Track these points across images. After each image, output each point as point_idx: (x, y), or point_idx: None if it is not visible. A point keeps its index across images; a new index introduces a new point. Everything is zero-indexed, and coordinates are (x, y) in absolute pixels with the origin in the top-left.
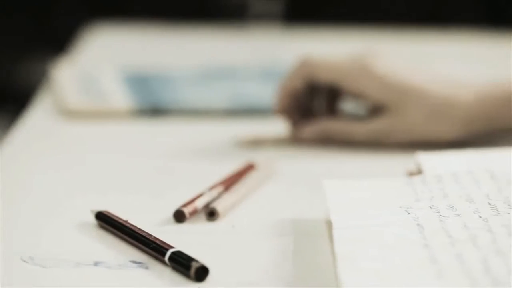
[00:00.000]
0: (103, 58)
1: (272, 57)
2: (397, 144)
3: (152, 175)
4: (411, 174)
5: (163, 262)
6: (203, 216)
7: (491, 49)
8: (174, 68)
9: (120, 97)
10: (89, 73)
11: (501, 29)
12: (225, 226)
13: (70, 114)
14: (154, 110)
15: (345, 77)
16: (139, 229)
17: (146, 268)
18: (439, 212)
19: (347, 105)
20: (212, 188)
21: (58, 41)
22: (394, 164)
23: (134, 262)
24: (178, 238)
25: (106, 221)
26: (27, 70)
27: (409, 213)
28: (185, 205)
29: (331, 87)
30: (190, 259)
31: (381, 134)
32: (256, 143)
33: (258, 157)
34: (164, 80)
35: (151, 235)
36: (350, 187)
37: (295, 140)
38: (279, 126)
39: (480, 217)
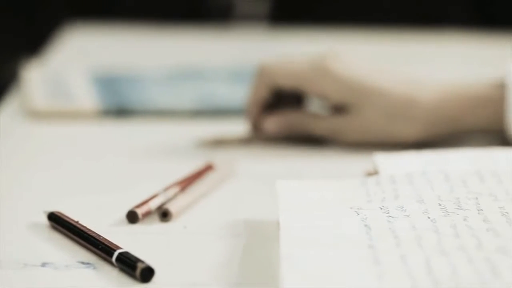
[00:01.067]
0: (77, 59)
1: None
2: (357, 142)
3: (112, 176)
4: (369, 174)
5: (111, 263)
6: (157, 216)
7: (480, 49)
8: (149, 69)
9: (86, 98)
10: (58, 74)
11: (489, 29)
12: (177, 227)
13: (37, 115)
14: (120, 111)
15: (305, 80)
16: (89, 230)
17: (94, 268)
18: (388, 213)
19: (314, 104)
20: (167, 188)
21: (36, 42)
22: (355, 164)
23: (82, 262)
24: (130, 238)
25: (57, 222)
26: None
27: (358, 214)
28: (138, 206)
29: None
30: (136, 260)
31: (340, 130)
32: (219, 143)
33: (219, 157)
34: (133, 81)
35: (100, 236)
36: (304, 187)
37: (258, 134)
38: (244, 127)
39: (429, 218)
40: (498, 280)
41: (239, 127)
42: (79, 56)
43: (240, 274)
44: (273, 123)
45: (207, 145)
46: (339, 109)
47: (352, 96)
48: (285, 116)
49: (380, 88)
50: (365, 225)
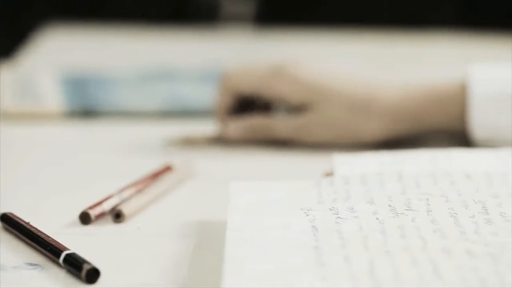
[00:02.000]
0: (53, 60)
1: (244, 59)
2: (320, 141)
3: (73, 176)
4: (327, 175)
5: (59, 264)
6: (111, 218)
7: (468, 50)
8: (120, 70)
9: (53, 99)
10: (29, 75)
11: (477, 30)
12: (130, 228)
13: (4, 116)
14: (86, 112)
15: (265, 84)
16: (38, 231)
17: (42, 270)
18: (337, 214)
19: (282, 111)
20: (123, 190)
21: (16, 43)
22: (317, 165)
23: (30, 264)
24: (82, 240)
25: (9, 223)
26: None
27: (307, 215)
28: (91, 207)
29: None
30: (82, 261)
31: (303, 130)
32: (187, 142)
33: (179, 158)
34: (102, 82)
35: (49, 237)
36: (256, 189)
37: (224, 138)
38: (213, 127)
39: (377, 219)
40: (439, 281)
41: (208, 128)
42: (55, 57)
43: (188, 275)
44: (236, 128)
45: (175, 145)
46: (300, 110)
47: (311, 95)
48: (248, 121)
49: (340, 87)
50: (313, 226)
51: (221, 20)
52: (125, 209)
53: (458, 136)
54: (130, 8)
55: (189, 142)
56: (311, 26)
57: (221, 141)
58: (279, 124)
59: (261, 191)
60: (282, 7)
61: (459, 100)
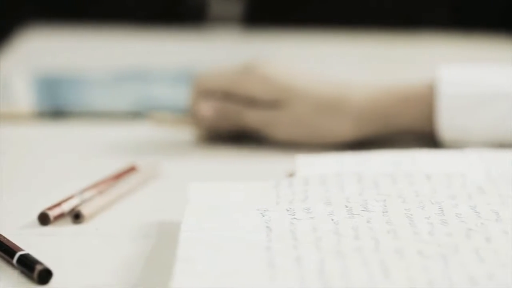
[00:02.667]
0: (32, 61)
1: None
2: (288, 138)
3: (38, 177)
4: (290, 175)
5: (13, 265)
6: (70, 218)
7: (457, 51)
8: (95, 70)
9: (24, 100)
10: (2, 76)
11: (467, 31)
12: (89, 229)
13: None
14: (57, 113)
15: (235, 83)
16: None
17: None
18: (294, 215)
19: None
20: (84, 190)
21: None
22: (283, 165)
23: None
24: (40, 240)
25: None
26: None
27: (263, 216)
28: (50, 208)
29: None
30: (35, 262)
31: (272, 123)
32: (157, 122)
33: (144, 159)
34: (75, 83)
35: (4, 238)
36: (216, 190)
37: (194, 118)
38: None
39: (333, 219)
40: (387, 281)
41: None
42: (33, 59)
43: (141, 276)
44: (207, 107)
45: (150, 120)
46: (270, 108)
47: (280, 94)
48: (220, 103)
49: (309, 86)
50: (267, 227)
51: (209, 21)
52: (85, 210)
53: (427, 137)
54: (119, 9)
55: (160, 122)
56: (299, 27)
57: (191, 121)
58: (250, 113)
59: (220, 192)
60: (270, 8)
61: (427, 101)
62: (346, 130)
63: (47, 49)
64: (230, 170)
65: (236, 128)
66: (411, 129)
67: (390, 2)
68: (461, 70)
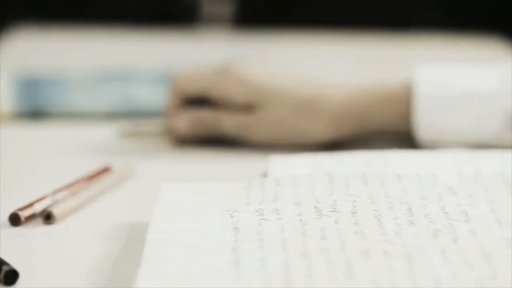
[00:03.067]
0: (15, 62)
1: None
2: (266, 140)
3: (13, 177)
4: (264, 176)
5: None
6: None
7: (450, 51)
8: (76, 71)
9: (5, 101)
10: None
11: (459, 32)
12: (60, 230)
13: None
14: (36, 113)
15: (212, 84)
16: None
17: None
18: (262, 216)
19: None
20: (57, 191)
21: None
22: (259, 166)
23: None
24: (10, 241)
25: None
26: None
27: (232, 217)
28: (21, 209)
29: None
30: (1, 263)
31: (249, 128)
32: (134, 135)
33: (123, 159)
34: (55, 83)
35: None
36: (187, 191)
37: (171, 131)
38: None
39: (301, 220)
40: (351, 281)
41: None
42: (19, 59)
43: (109, 276)
44: (183, 120)
45: (122, 138)
46: (247, 110)
47: (257, 95)
48: (196, 113)
49: (285, 87)
50: (234, 228)
51: (200, 22)
52: (56, 210)
53: (405, 137)
54: (109, 10)
55: (136, 135)
56: (290, 28)
57: (168, 135)
58: (226, 119)
59: (190, 193)
60: (261, 8)
61: (404, 100)
62: (323, 130)
63: (34, 50)
64: (205, 171)
65: (212, 136)
66: (388, 129)
67: (382, 3)
68: (438, 70)
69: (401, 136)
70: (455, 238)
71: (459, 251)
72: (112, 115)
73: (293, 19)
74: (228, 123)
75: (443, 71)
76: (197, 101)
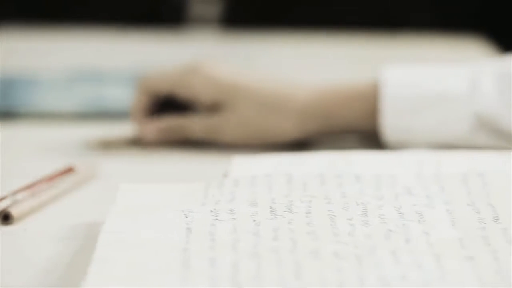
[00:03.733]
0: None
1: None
2: (235, 140)
3: None
4: (225, 176)
5: None
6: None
7: (440, 52)
8: (48, 71)
9: None
10: None
11: (449, 32)
12: (17, 230)
13: None
14: (6, 113)
15: (179, 83)
16: None
17: None
18: (216, 216)
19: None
20: (17, 191)
21: None
22: (224, 166)
23: None
24: None
25: None
26: None
27: (186, 217)
28: None
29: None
30: None
31: (217, 129)
32: (104, 145)
33: (82, 160)
34: (27, 83)
35: None
36: (144, 191)
37: (141, 140)
38: (131, 129)
39: (254, 221)
40: (298, 282)
41: (126, 130)
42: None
43: (62, 276)
44: (152, 129)
45: (91, 148)
46: (213, 109)
47: (223, 94)
48: (164, 121)
49: (252, 86)
50: (187, 228)
51: (188, 22)
52: (14, 210)
53: (373, 137)
54: (96, 10)
55: (106, 145)
56: (279, 29)
57: (138, 143)
58: (193, 124)
59: (148, 193)
60: (249, 9)
61: (370, 100)
62: (290, 129)
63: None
64: (171, 171)
65: (182, 140)
66: (355, 129)
67: (373, 3)
68: (405, 71)
69: (368, 136)
70: (407, 239)
71: (409, 252)
72: (83, 116)
73: (281, 19)
74: (196, 126)
75: (410, 72)
76: (165, 102)
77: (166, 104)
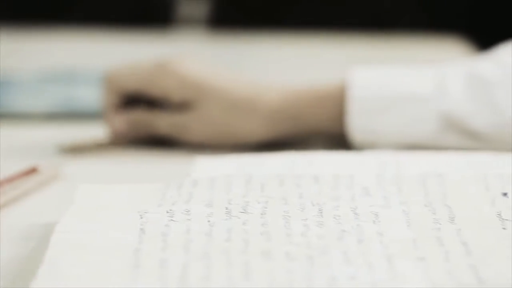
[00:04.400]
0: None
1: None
2: (201, 140)
3: None
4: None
5: None
6: None
7: (431, 53)
8: (21, 72)
9: None
10: None
11: (441, 33)
12: None
13: None
14: None
15: (148, 80)
16: None
17: None
18: (172, 217)
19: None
20: None
21: None
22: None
23: None
24: None
25: None
26: None
27: (141, 218)
28: None
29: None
30: None
31: (183, 127)
32: (75, 149)
33: (45, 160)
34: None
35: None
36: (104, 191)
37: (111, 136)
38: (102, 131)
39: (209, 221)
40: (246, 282)
41: (100, 131)
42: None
43: (13, 277)
44: (119, 122)
45: (65, 151)
46: (183, 107)
47: (192, 93)
48: (131, 114)
49: (220, 86)
50: (141, 229)
51: (175, 22)
52: None
53: (340, 138)
54: (83, 10)
55: (78, 149)
56: (267, 29)
57: (110, 143)
58: (161, 120)
59: (106, 194)
60: (237, 9)
61: (337, 102)
62: (258, 130)
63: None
64: (136, 172)
65: (150, 136)
66: (324, 130)
67: (365, 4)
68: (372, 72)
69: (336, 137)
70: (360, 239)
71: (361, 252)
72: (54, 116)
73: (270, 20)
74: (163, 123)
75: (378, 73)
76: (135, 99)
77: (134, 100)
